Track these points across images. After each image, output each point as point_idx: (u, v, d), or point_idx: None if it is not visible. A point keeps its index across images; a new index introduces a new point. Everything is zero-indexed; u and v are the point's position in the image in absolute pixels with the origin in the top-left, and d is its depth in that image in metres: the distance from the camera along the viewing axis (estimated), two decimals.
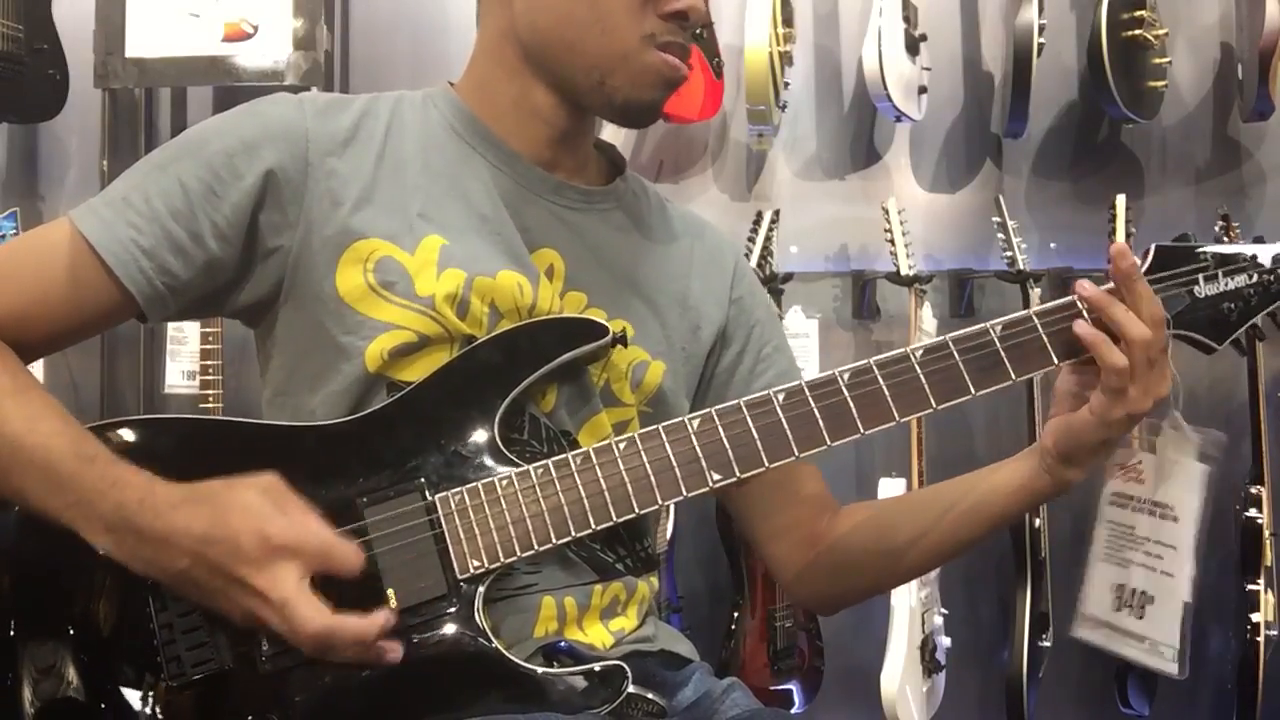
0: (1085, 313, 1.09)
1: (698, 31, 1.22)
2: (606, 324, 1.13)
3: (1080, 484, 1.14)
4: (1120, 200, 2.65)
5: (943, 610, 2.69)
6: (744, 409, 1.08)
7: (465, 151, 1.17)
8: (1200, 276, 1.13)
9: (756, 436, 1.07)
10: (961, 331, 1.10)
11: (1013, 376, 1.09)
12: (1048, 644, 2.68)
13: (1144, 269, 1.13)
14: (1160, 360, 1.07)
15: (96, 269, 1.08)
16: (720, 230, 1.36)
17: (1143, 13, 2.72)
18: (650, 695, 1.05)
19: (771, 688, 2.61)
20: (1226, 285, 1.14)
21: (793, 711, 2.64)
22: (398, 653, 0.98)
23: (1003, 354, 1.09)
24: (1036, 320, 1.10)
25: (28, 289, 1.09)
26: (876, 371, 1.08)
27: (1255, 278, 1.14)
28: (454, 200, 1.14)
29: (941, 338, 1.10)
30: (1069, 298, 1.11)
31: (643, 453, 1.06)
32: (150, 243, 1.08)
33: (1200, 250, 1.14)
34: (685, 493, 1.07)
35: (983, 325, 1.10)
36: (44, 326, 1.10)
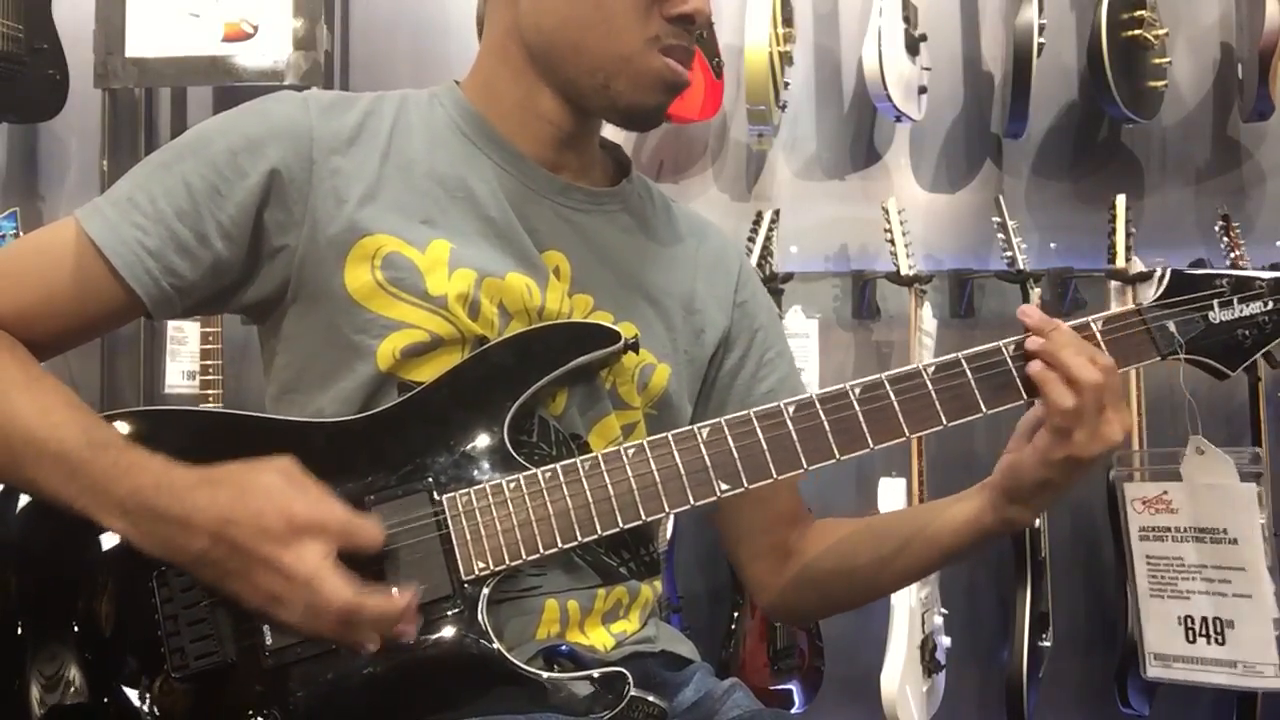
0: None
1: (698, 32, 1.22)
2: (619, 330, 1.13)
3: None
4: (1120, 200, 2.65)
5: (943, 610, 2.69)
6: (754, 420, 1.07)
7: (471, 152, 1.17)
8: (1215, 302, 1.14)
9: (766, 448, 1.07)
10: (974, 350, 1.10)
11: (1024, 396, 1.10)
12: (1048, 644, 2.68)
13: (1159, 293, 1.14)
14: (1112, 406, 1.07)
15: (102, 270, 1.08)
16: (724, 232, 1.36)
17: (1143, 13, 2.72)
18: (651, 698, 1.05)
19: (771, 688, 2.61)
20: (1241, 311, 1.14)
21: (793, 711, 2.64)
22: (413, 633, 0.99)
23: (1014, 374, 1.09)
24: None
25: (33, 289, 1.09)
26: (888, 386, 1.08)
27: (1270, 305, 1.15)
28: (460, 204, 1.14)
29: (954, 355, 1.10)
30: (1081, 320, 1.11)
31: (651, 460, 1.06)
32: (156, 243, 1.08)
33: (1216, 275, 1.15)
34: (692, 502, 1.06)
35: (995, 344, 1.10)
36: (50, 326, 1.10)
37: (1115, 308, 1.15)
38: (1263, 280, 1.15)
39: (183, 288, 1.10)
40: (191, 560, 0.98)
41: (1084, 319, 1.11)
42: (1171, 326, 1.13)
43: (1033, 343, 1.08)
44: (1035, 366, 1.07)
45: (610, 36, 1.11)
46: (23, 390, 1.03)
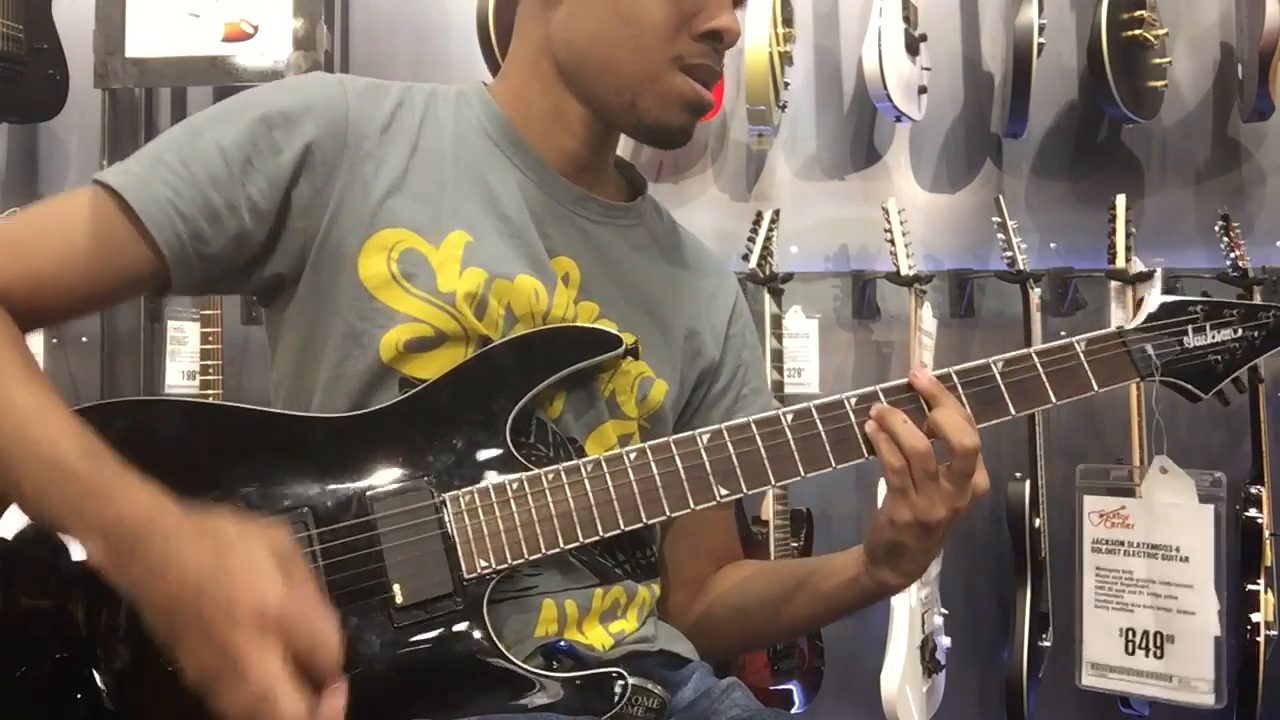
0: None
1: None
2: (620, 336, 1.14)
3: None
4: (1120, 200, 2.65)
5: (943, 610, 2.69)
6: (753, 427, 1.10)
7: (494, 153, 1.18)
8: (1189, 328, 1.19)
9: (765, 456, 1.09)
10: (965, 365, 1.14)
11: (1013, 412, 1.14)
12: (1048, 644, 2.68)
13: (1142, 318, 1.19)
14: (952, 477, 1.08)
15: (126, 226, 1.05)
16: (725, 265, 1.38)
17: (1143, 13, 2.72)
18: (650, 686, 1.06)
19: (771, 688, 2.61)
20: (1213, 338, 1.19)
21: (793, 711, 2.64)
22: None
23: (1003, 391, 1.14)
24: (1036, 360, 1.14)
25: (50, 250, 1.05)
26: (883, 399, 1.11)
27: (1240, 332, 1.20)
28: (480, 199, 1.15)
29: (946, 370, 1.13)
30: (1064, 340, 1.16)
31: (653, 464, 1.08)
32: (189, 207, 1.05)
33: (1192, 303, 1.20)
34: (692, 505, 1.08)
35: (985, 361, 1.14)
36: (62, 290, 1.05)
37: (1115, 309, 1.19)
38: (1233, 308, 1.20)
39: (207, 255, 1.08)
40: (151, 611, 0.89)
41: (1068, 339, 1.16)
42: (1150, 350, 1.18)
43: (875, 409, 1.10)
44: (870, 426, 1.10)
45: (638, 54, 1.12)
46: (21, 385, 0.98)
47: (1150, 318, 1.19)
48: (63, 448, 0.93)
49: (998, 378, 1.13)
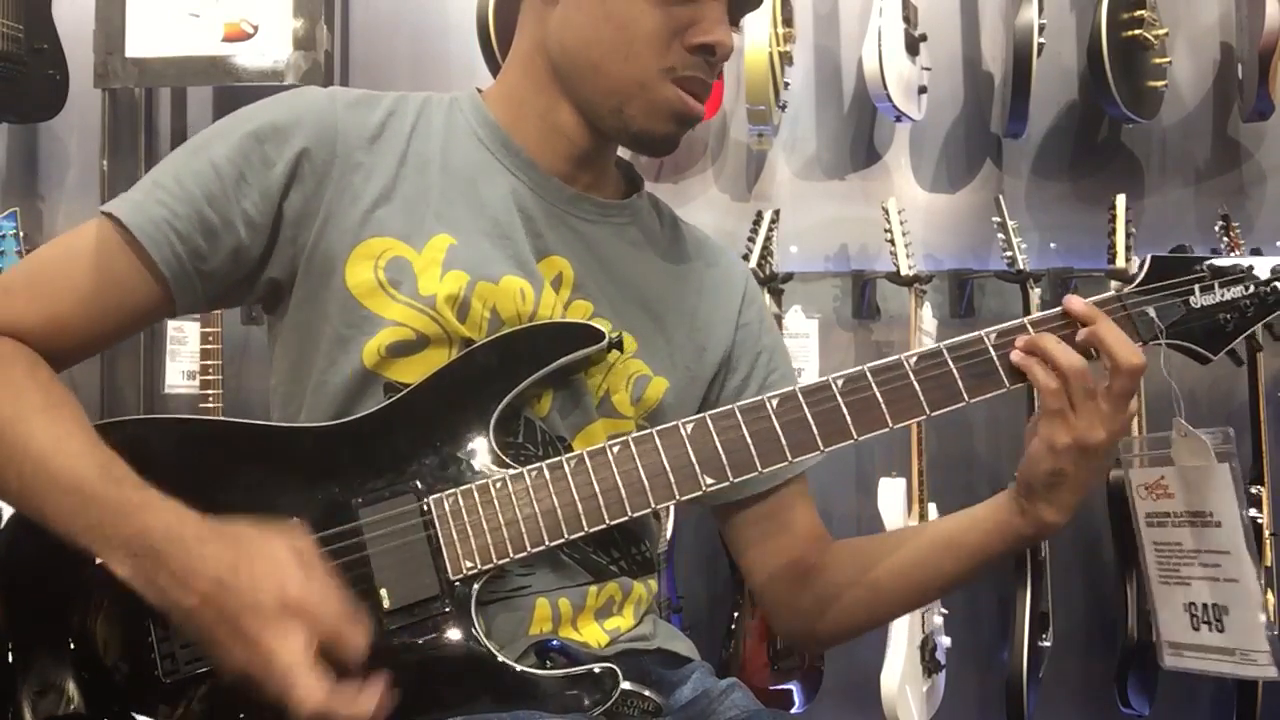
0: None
1: None
2: (602, 328, 1.13)
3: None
4: (1120, 200, 2.65)
5: (943, 610, 2.69)
6: (738, 414, 1.08)
7: (485, 157, 1.18)
8: (1196, 287, 1.15)
9: (750, 441, 1.08)
10: (955, 340, 1.11)
11: (1006, 384, 1.11)
12: (1048, 644, 2.68)
13: (1140, 279, 1.14)
14: (1110, 398, 1.07)
15: (127, 251, 1.07)
16: (732, 254, 1.37)
17: (1143, 13, 2.72)
18: (646, 693, 1.06)
19: (771, 688, 2.61)
20: (1222, 296, 1.15)
21: (793, 711, 2.64)
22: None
23: (996, 362, 1.10)
24: (1030, 329, 1.11)
25: (65, 291, 1.08)
26: (870, 378, 1.09)
27: (1251, 289, 1.15)
28: (468, 201, 1.15)
29: (936, 345, 1.11)
30: (1059, 309, 1.12)
31: (636, 456, 1.07)
32: (185, 226, 1.08)
33: (1197, 261, 1.15)
34: (678, 496, 1.07)
35: (977, 334, 1.11)
36: (82, 329, 1.09)
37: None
38: (1244, 265, 1.15)
39: (206, 272, 1.10)
40: (182, 617, 0.95)
41: (1061, 308, 1.12)
42: (1152, 312, 1.14)
43: (1021, 339, 1.09)
44: (1017, 355, 1.09)
45: (628, 61, 1.12)
46: (40, 414, 1.01)
47: (1148, 277, 1.14)
48: (81, 473, 0.97)
49: (990, 350, 1.11)
